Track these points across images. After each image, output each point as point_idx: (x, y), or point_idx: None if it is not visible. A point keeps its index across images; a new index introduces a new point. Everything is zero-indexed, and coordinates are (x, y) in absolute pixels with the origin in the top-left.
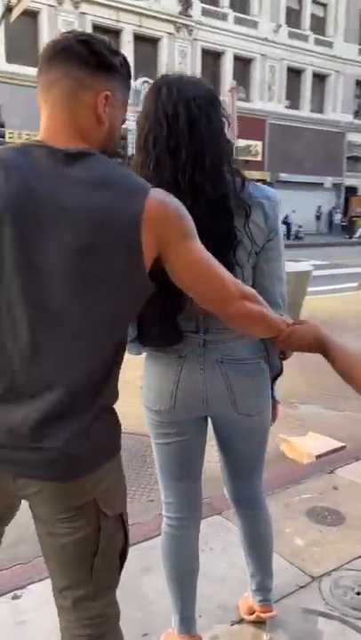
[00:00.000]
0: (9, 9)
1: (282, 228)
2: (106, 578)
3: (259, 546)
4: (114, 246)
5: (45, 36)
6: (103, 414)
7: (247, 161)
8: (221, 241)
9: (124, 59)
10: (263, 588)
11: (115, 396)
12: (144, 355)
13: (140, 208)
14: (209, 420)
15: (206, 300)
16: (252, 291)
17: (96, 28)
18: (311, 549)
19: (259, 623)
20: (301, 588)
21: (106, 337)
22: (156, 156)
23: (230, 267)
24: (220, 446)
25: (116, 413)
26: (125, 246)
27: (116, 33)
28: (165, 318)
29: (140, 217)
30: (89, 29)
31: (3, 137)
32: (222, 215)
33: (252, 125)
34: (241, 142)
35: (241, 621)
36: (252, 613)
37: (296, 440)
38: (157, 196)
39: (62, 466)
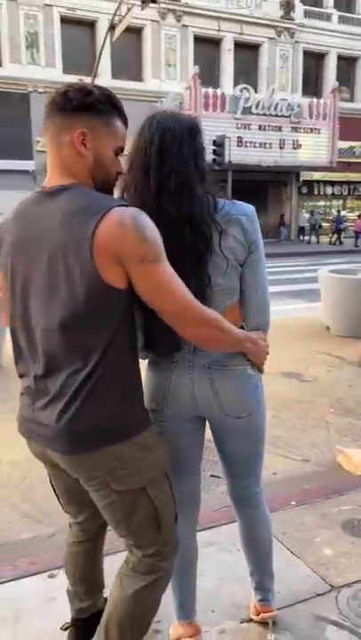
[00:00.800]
0: (112, 27)
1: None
2: (142, 536)
3: (255, 545)
4: (72, 265)
5: (149, 51)
6: (95, 401)
7: (349, 163)
8: (192, 260)
9: (104, 95)
10: (262, 587)
11: (117, 385)
12: None
13: (92, 230)
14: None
15: (164, 319)
16: (214, 316)
17: (197, 39)
18: (338, 560)
19: (266, 624)
20: (319, 595)
21: (79, 338)
22: (135, 179)
23: (202, 284)
24: (216, 446)
25: (122, 406)
26: (80, 267)
27: (216, 42)
28: (165, 331)
29: (92, 237)
30: (190, 41)
31: None
32: (189, 234)
33: (356, 126)
34: (343, 144)
35: (250, 620)
36: (258, 614)
37: (353, 452)
38: (114, 219)
39: (62, 442)
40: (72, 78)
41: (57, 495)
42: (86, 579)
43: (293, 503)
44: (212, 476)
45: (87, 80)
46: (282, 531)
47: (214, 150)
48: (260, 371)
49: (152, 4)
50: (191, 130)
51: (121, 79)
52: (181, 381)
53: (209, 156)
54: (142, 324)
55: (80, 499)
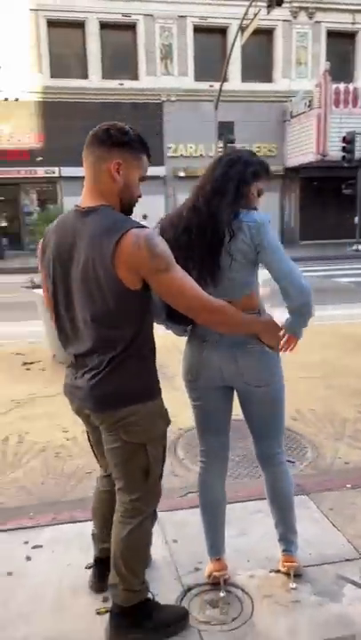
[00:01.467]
0: (242, 31)
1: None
2: (132, 481)
3: (277, 499)
4: (100, 272)
5: (280, 51)
6: (117, 373)
7: None
8: (207, 250)
9: (137, 135)
10: (285, 538)
11: (134, 362)
12: None
13: (112, 248)
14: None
15: (180, 310)
16: (220, 304)
17: (331, 34)
18: None
19: (289, 575)
20: (347, 560)
21: (106, 325)
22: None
23: (213, 272)
24: (242, 412)
25: (138, 381)
26: (104, 274)
27: (351, 36)
28: None
29: (113, 255)
30: (323, 37)
31: None
32: (211, 235)
33: None
34: None
35: (278, 571)
36: (284, 567)
37: None
38: (131, 239)
39: (90, 402)
40: (203, 85)
41: (92, 449)
42: (107, 524)
43: (349, 486)
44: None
45: (217, 85)
46: (330, 507)
47: (344, 147)
48: (274, 350)
49: (284, 5)
50: (237, 160)
51: (250, 82)
52: (211, 358)
53: (339, 153)
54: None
55: None
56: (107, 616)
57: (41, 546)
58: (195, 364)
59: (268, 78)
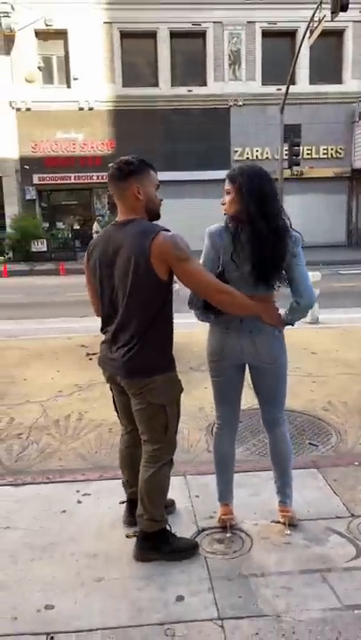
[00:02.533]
0: (311, 32)
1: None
2: (155, 434)
3: (277, 456)
4: (140, 264)
5: (350, 52)
6: (145, 349)
7: None
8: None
9: (139, 160)
10: (282, 492)
11: (158, 341)
12: None
13: (149, 244)
14: (246, 368)
15: (199, 294)
16: (228, 287)
17: None
18: None
19: (285, 524)
20: (338, 518)
21: (140, 310)
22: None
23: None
24: (252, 384)
25: (161, 355)
26: (144, 264)
27: None
28: None
29: (149, 249)
30: None
31: (297, 155)
32: (275, 241)
33: None
34: None
35: (278, 522)
36: (283, 518)
37: None
38: (160, 238)
39: (123, 371)
40: (270, 89)
41: (116, 411)
42: (133, 472)
43: (356, 463)
44: (310, 443)
45: (283, 88)
46: (334, 478)
47: None
48: (278, 327)
49: (355, 5)
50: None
51: (318, 84)
52: (234, 342)
53: None
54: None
55: (130, 415)
56: (134, 539)
57: (89, 494)
58: (220, 347)
59: (336, 80)
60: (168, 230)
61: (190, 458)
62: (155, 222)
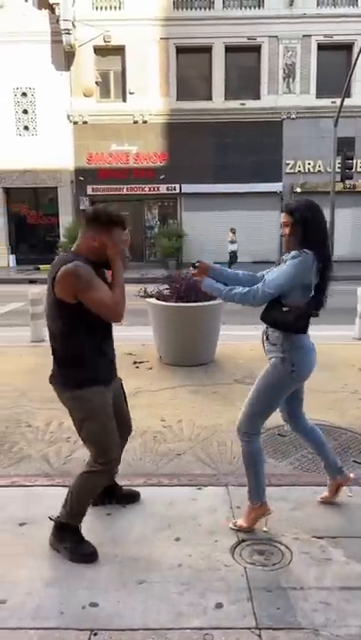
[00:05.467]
0: None
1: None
2: (87, 446)
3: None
4: (49, 291)
5: None
6: (61, 366)
7: None
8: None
9: (106, 214)
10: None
11: (72, 359)
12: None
13: (55, 273)
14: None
15: (102, 316)
16: (116, 298)
17: None
18: None
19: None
20: None
21: (55, 331)
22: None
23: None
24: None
25: (77, 370)
26: (52, 291)
27: None
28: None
29: (55, 278)
30: None
31: (350, 169)
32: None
33: None
34: None
35: (320, 537)
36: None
37: None
38: (65, 269)
39: (54, 383)
40: (325, 102)
41: None
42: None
43: None
44: (354, 461)
45: (338, 101)
46: None
47: None
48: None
49: None
50: None
51: None
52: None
53: None
54: None
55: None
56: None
57: None
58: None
59: None
60: (80, 263)
61: (233, 469)
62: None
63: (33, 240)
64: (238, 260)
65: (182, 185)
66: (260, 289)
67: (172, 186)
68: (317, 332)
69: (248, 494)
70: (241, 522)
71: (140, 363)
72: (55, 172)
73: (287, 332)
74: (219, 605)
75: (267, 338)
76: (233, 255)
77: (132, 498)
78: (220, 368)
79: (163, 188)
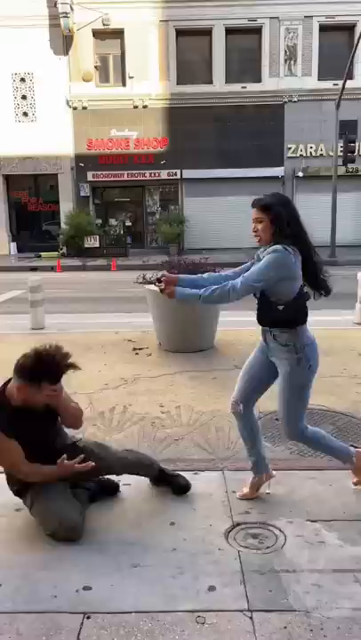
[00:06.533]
0: None
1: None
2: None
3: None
4: None
5: None
6: None
7: None
8: None
9: (29, 371)
10: None
11: None
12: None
13: None
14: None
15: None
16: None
17: None
18: None
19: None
20: None
21: None
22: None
23: None
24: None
25: None
26: None
27: None
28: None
29: None
30: None
31: (353, 152)
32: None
33: None
34: None
35: (313, 521)
36: None
37: None
38: None
39: None
40: (327, 84)
41: None
42: None
43: None
44: (352, 445)
45: (340, 83)
46: None
47: None
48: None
49: None
50: None
51: None
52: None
53: None
54: None
55: None
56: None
57: (129, 484)
58: None
59: None
60: None
61: (230, 455)
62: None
63: (33, 228)
64: (241, 246)
65: (183, 170)
66: (238, 282)
67: (173, 171)
68: (318, 317)
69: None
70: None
71: (140, 349)
72: (55, 158)
73: (292, 329)
74: (211, 588)
75: (274, 338)
76: None
77: (112, 489)
78: (220, 354)
79: (164, 174)
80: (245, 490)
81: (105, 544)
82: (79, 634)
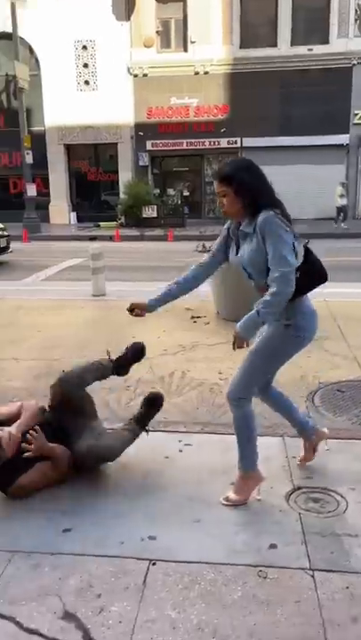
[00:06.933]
0: None
1: None
2: None
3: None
4: None
5: None
6: None
7: None
8: None
9: None
10: None
11: None
12: None
13: None
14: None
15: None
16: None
17: None
18: None
19: None
20: None
21: None
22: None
23: None
24: None
25: None
26: None
27: None
28: None
29: None
30: None
31: None
32: None
33: None
34: None
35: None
36: None
37: None
38: None
39: None
40: None
41: None
42: None
43: None
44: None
45: None
46: None
47: None
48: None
49: None
50: None
51: None
52: None
53: None
54: None
55: None
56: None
57: (190, 444)
58: None
59: None
60: None
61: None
62: None
63: (93, 197)
64: (302, 217)
65: (243, 138)
66: (283, 274)
67: (233, 139)
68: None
69: (240, 463)
70: (233, 496)
71: (198, 317)
72: (115, 127)
73: (291, 301)
74: (273, 546)
75: None
76: (342, 210)
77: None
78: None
79: (223, 142)
80: (303, 454)
81: (168, 499)
82: (146, 577)
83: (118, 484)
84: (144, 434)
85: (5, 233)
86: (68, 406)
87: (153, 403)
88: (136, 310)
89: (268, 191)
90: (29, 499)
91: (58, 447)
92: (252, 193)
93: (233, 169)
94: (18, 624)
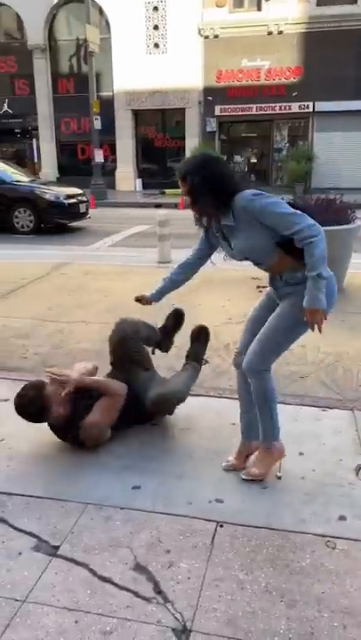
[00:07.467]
0: None
1: None
2: None
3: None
4: None
5: None
6: None
7: None
8: None
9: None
10: None
11: None
12: None
13: None
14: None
15: None
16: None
17: None
18: None
19: None
20: None
21: None
22: None
23: None
24: None
25: None
26: None
27: None
28: None
29: None
30: None
31: None
32: None
33: None
34: None
35: None
36: None
37: None
38: None
39: None
40: None
41: None
42: None
43: None
44: None
45: None
46: None
47: None
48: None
49: None
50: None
51: None
52: None
53: None
54: None
55: None
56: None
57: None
58: None
59: None
60: None
61: (358, 396)
62: None
63: (158, 164)
64: None
65: (316, 103)
66: (305, 226)
67: (305, 104)
68: None
69: (262, 435)
70: (254, 470)
71: (264, 287)
72: (183, 92)
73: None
74: (342, 518)
75: (286, 283)
76: None
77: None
78: (350, 297)
79: (295, 107)
80: (234, 458)
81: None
82: (213, 538)
83: (184, 445)
84: (204, 367)
85: (84, 198)
86: (123, 352)
87: (197, 334)
88: (143, 300)
89: (230, 179)
90: (99, 455)
91: (114, 382)
92: (215, 187)
93: (188, 168)
94: (92, 571)
